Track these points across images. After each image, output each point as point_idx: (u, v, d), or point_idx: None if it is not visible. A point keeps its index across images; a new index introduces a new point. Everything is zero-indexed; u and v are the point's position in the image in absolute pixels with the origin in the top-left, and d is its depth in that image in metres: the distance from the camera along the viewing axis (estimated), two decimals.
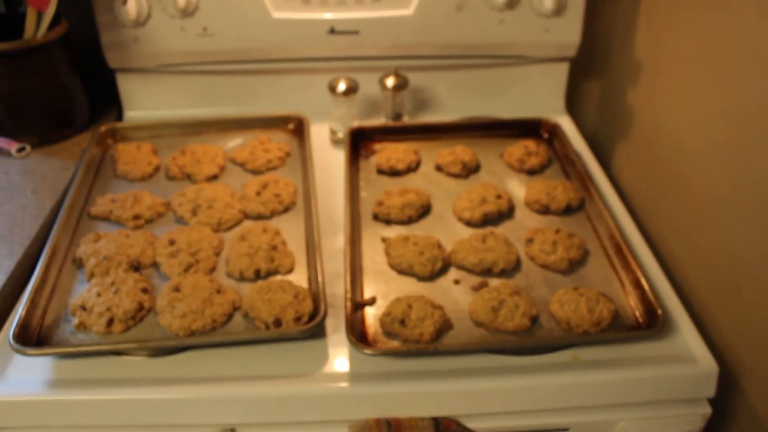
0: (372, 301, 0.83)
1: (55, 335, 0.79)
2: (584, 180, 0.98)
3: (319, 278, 0.82)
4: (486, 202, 0.95)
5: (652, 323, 0.77)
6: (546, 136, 1.10)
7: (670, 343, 0.79)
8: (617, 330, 0.79)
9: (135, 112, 1.17)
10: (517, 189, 1.00)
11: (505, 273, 0.87)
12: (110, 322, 0.79)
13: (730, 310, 0.88)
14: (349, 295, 0.80)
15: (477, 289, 0.84)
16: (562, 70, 1.17)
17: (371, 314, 0.82)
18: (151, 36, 1.08)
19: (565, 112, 1.19)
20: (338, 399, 0.75)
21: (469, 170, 1.03)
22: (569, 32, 1.11)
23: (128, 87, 1.15)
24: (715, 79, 0.92)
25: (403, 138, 1.09)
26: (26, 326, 0.77)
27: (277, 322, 0.79)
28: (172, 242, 0.89)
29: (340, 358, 0.78)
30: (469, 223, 0.94)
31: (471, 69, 1.17)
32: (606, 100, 1.27)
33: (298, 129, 1.10)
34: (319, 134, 1.12)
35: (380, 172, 1.04)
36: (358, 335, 0.77)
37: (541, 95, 1.19)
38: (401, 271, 0.87)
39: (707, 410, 0.77)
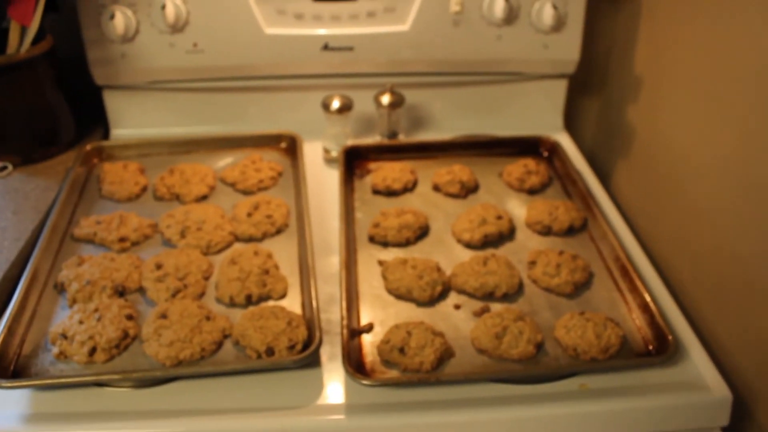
0: (369, 328, 0.80)
1: (34, 365, 0.74)
2: (586, 199, 0.95)
3: (314, 304, 0.78)
4: (486, 223, 0.91)
5: (663, 349, 0.74)
6: (546, 154, 1.07)
7: (680, 369, 0.75)
8: (626, 357, 0.75)
9: (122, 131, 1.13)
10: (518, 209, 0.97)
11: (507, 297, 0.83)
12: (93, 351, 0.75)
13: (741, 335, 0.85)
14: (345, 322, 0.76)
15: (479, 314, 0.81)
16: (560, 87, 1.15)
17: (368, 342, 0.78)
18: (140, 52, 1.05)
19: (563, 130, 1.16)
20: None
21: (468, 190, 1.00)
22: (568, 49, 1.09)
23: (115, 104, 1.12)
24: (718, 93, 0.89)
25: (399, 157, 1.06)
26: (2, 356, 0.73)
27: (270, 351, 0.75)
28: (159, 266, 0.85)
29: (335, 389, 0.74)
30: (469, 245, 0.91)
31: (468, 86, 1.14)
32: (605, 116, 1.24)
33: (291, 148, 1.07)
34: (313, 153, 1.09)
35: (376, 192, 1.01)
36: (354, 365, 0.73)
37: (540, 113, 1.16)
38: (399, 296, 0.84)
39: None
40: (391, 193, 1.00)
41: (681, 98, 0.99)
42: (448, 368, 0.75)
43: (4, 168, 1.02)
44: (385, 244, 0.91)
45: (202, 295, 0.84)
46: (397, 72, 1.10)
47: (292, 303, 0.83)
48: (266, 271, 0.85)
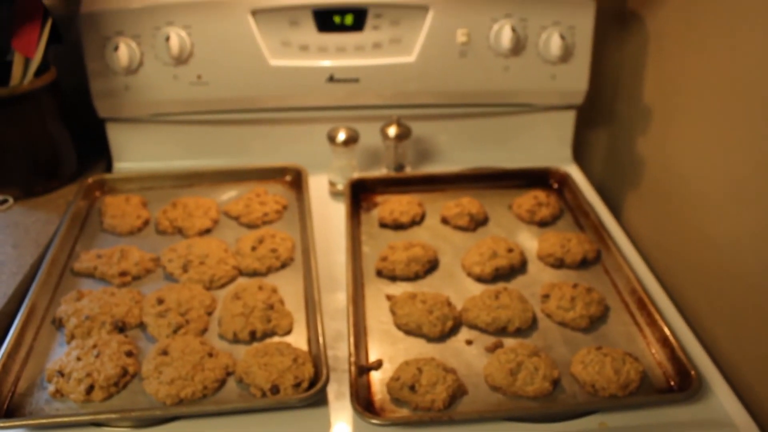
0: (378, 365, 0.76)
1: (29, 404, 0.71)
2: (599, 231, 0.93)
3: (320, 340, 0.76)
4: (497, 256, 0.89)
5: (685, 385, 0.71)
6: (555, 186, 1.05)
7: (704, 406, 0.72)
8: (647, 393, 0.72)
9: (125, 164, 1.11)
10: (529, 242, 0.95)
11: (521, 332, 0.80)
12: (90, 389, 0.72)
13: (763, 367, 0.82)
14: (353, 359, 0.73)
15: (492, 350, 0.78)
16: (568, 119, 1.13)
17: (377, 379, 0.75)
18: (143, 84, 1.04)
19: (572, 162, 1.14)
20: None
21: (477, 223, 0.98)
22: (576, 79, 1.08)
23: (118, 137, 1.10)
24: (728, 121, 0.88)
25: (406, 190, 1.04)
26: None
27: (275, 389, 0.72)
28: (160, 301, 0.82)
29: (343, 429, 0.71)
30: (479, 279, 0.88)
31: (475, 118, 1.12)
32: (614, 148, 1.22)
33: (296, 181, 1.05)
34: (318, 186, 1.07)
35: (383, 225, 0.98)
36: (363, 403, 0.70)
37: (548, 144, 1.14)
38: (409, 332, 0.81)
39: None
40: (398, 226, 0.98)
41: (691, 127, 0.97)
42: (460, 406, 0.71)
43: (5, 201, 1.00)
44: (394, 278, 0.89)
45: (204, 331, 0.81)
46: (403, 104, 1.09)
47: (298, 339, 0.80)
48: (271, 306, 0.82)
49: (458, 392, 0.72)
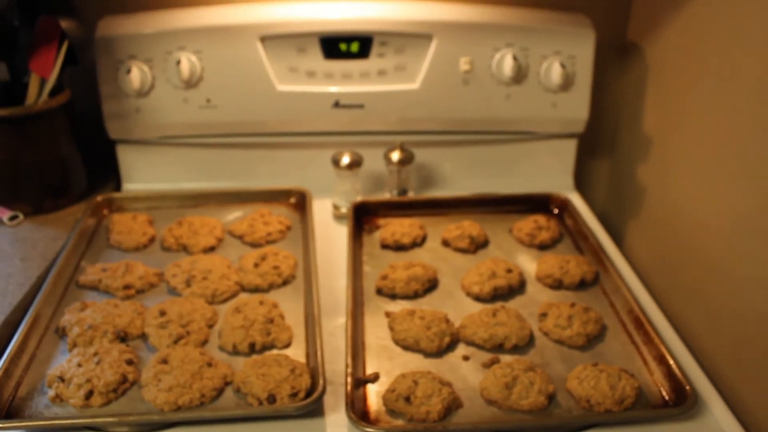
0: (375, 378, 0.77)
1: (28, 408, 0.72)
2: (598, 254, 0.94)
3: (318, 353, 0.76)
4: (496, 276, 0.90)
5: (681, 401, 0.71)
6: (556, 211, 1.07)
7: (700, 423, 0.72)
8: (643, 408, 0.72)
9: (134, 185, 1.14)
10: (528, 264, 0.95)
11: (517, 349, 0.81)
12: (89, 395, 0.72)
13: (763, 392, 0.82)
14: (350, 370, 0.74)
15: (488, 365, 0.78)
16: (570, 147, 1.15)
17: (374, 391, 0.75)
18: (154, 107, 1.07)
19: (574, 190, 1.16)
20: None
21: (477, 245, 0.99)
22: (577, 108, 1.10)
23: (128, 159, 1.13)
24: (729, 150, 0.89)
25: (409, 213, 1.06)
26: None
27: (272, 399, 0.72)
28: (162, 313, 0.83)
29: None
30: (478, 298, 0.89)
31: (478, 145, 1.15)
32: (616, 178, 1.24)
33: (300, 203, 1.07)
34: (322, 210, 1.09)
35: (384, 246, 1.00)
36: (359, 413, 0.70)
37: (549, 173, 1.16)
38: (406, 347, 0.81)
39: None
40: (399, 247, 0.99)
41: (691, 156, 0.99)
42: (455, 419, 0.71)
43: (15, 217, 1.02)
44: (393, 297, 0.90)
45: (205, 342, 0.82)
46: (407, 130, 1.11)
47: (297, 353, 0.80)
48: (271, 320, 0.83)
49: (453, 405, 0.73)
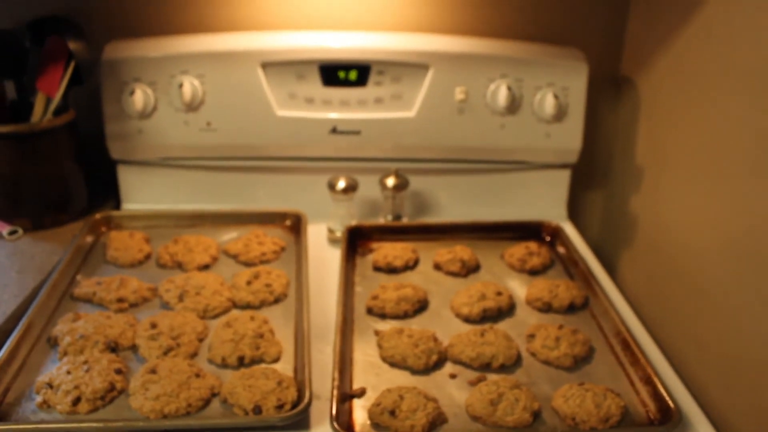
0: (361, 393, 0.77)
1: (15, 413, 0.72)
2: (588, 279, 0.95)
3: (306, 368, 0.77)
4: (485, 298, 0.91)
5: (666, 420, 0.71)
6: (548, 239, 1.08)
7: None
8: (628, 426, 0.72)
9: (133, 205, 1.16)
10: (519, 289, 0.96)
11: (505, 369, 0.81)
12: (76, 401, 0.73)
13: (751, 415, 0.81)
14: (336, 383, 0.74)
15: (474, 383, 0.78)
16: (563, 177, 1.17)
17: (360, 406, 0.75)
18: (156, 128, 1.10)
19: (567, 220, 1.17)
20: None
21: (469, 269, 1.00)
22: (570, 138, 1.12)
23: (128, 179, 1.15)
24: (720, 181, 0.91)
25: (402, 238, 1.07)
26: None
27: (257, 410, 0.72)
28: (153, 325, 0.84)
29: None
30: (467, 320, 0.90)
31: (472, 174, 1.16)
32: (609, 209, 1.25)
33: (295, 225, 1.08)
34: (317, 234, 1.10)
35: (377, 269, 1.01)
36: (344, 426, 0.71)
37: (543, 203, 1.17)
38: (394, 364, 0.82)
39: None
40: (391, 270, 1.00)
41: (682, 186, 1.00)
42: None
43: (14, 232, 1.03)
44: (383, 316, 0.90)
45: (194, 355, 0.82)
46: (402, 157, 1.13)
47: (285, 367, 0.81)
48: (261, 335, 0.83)
49: (438, 420, 0.73)
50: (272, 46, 1.09)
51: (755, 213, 0.83)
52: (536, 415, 0.73)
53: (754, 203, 0.83)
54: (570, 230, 1.12)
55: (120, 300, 0.90)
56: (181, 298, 0.90)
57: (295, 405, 0.73)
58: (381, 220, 1.13)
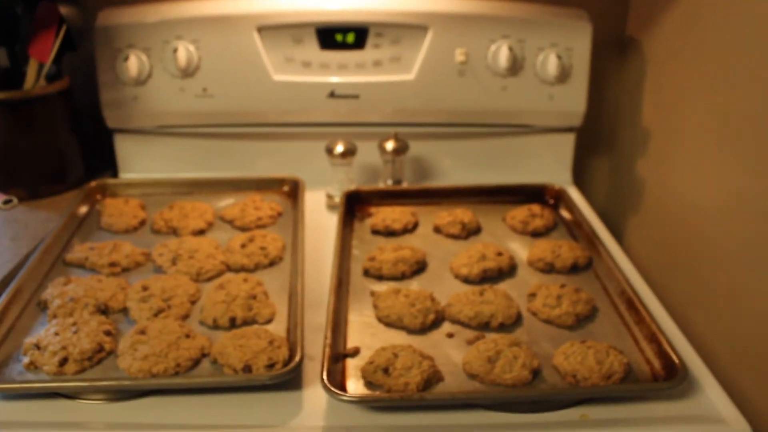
0: (355, 352, 0.75)
1: (2, 374, 0.71)
2: (592, 240, 0.92)
3: (299, 329, 0.75)
4: (486, 258, 0.88)
5: (671, 376, 0.68)
6: (551, 202, 1.05)
7: (693, 402, 0.69)
8: (630, 382, 0.69)
9: (130, 175, 1.14)
10: (520, 250, 0.93)
11: (504, 327, 0.79)
12: (64, 362, 0.71)
13: (761, 377, 0.78)
14: (328, 341, 0.72)
15: (472, 342, 0.76)
16: (568, 141, 1.14)
17: (353, 365, 0.73)
18: (151, 95, 1.08)
19: (572, 185, 1.14)
20: None
21: (469, 231, 0.97)
22: (574, 100, 1.09)
23: (125, 149, 1.13)
24: (729, 141, 0.87)
25: (402, 203, 1.04)
26: None
27: (247, 369, 0.71)
28: (145, 288, 0.83)
29: (315, 411, 0.69)
30: (466, 280, 0.87)
31: (474, 138, 1.14)
32: (615, 174, 1.22)
33: (293, 191, 1.06)
34: (316, 200, 1.08)
35: (375, 232, 0.98)
36: (336, 386, 0.68)
37: (547, 167, 1.14)
38: (389, 324, 0.79)
39: None
40: (390, 233, 0.97)
41: (690, 149, 0.97)
42: (436, 392, 0.69)
43: (9, 201, 1.02)
44: (380, 278, 0.88)
45: (186, 317, 0.81)
46: (402, 122, 1.11)
47: (278, 328, 0.79)
48: (254, 297, 0.82)
49: (434, 378, 0.70)
50: (268, 9, 1.06)
51: (766, 175, 0.79)
52: (536, 373, 0.71)
53: (765, 165, 0.80)
54: (575, 195, 1.09)
55: (112, 264, 0.89)
56: (174, 262, 0.89)
57: (286, 365, 0.71)
58: (381, 185, 1.10)
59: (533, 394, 0.69)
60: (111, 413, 0.69)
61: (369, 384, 0.70)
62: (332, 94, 1.08)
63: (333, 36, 1.07)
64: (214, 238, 0.95)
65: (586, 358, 0.70)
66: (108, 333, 0.76)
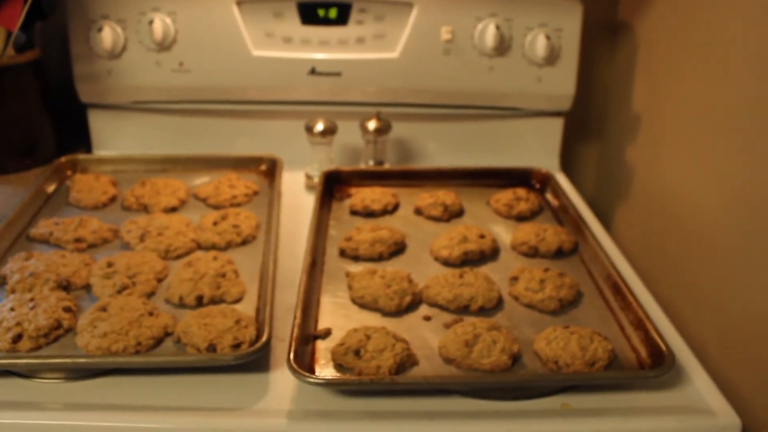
0: (326, 334, 0.71)
1: None
2: (578, 224, 0.88)
3: (268, 308, 0.71)
4: (467, 241, 0.85)
5: (658, 364, 0.64)
6: (538, 186, 1.01)
7: (680, 392, 0.66)
8: (615, 370, 0.66)
9: (105, 152, 1.10)
10: (504, 234, 0.90)
11: (484, 312, 0.75)
12: (18, 338, 0.68)
13: (749, 369, 0.75)
14: (297, 321, 0.68)
15: (450, 326, 0.72)
16: (556, 126, 1.10)
17: (324, 347, 0.69)
18: (126, 69, 1.04)
19: (560, 171, 1.11)
20: None
21: (451, 214, 0.94)
22: (563, 83, 1.06)
23: (99, 125, 1.09)
24: (721, 128, 0.84)
25: (383, 184, 1.01)
26: None
27: (211, 348, 0.67)
28: (110, 264, 0.79)
29: (281, 394, 0.66)
30: (446, 263, 0.84)
31: (459, 120, 1.10)
32: (604, 161, 1.19)
33: (271, 170, 1.03)
34: (295, 180, 1.04)
35: (353, 213, 0.95)
36: (304, 368, 0.64)
37: (534, 152, 1.11)
38: (364, 305, 0.76)
39: None
40: (369, 213, 0.94)
41: (681, 136, 0.94)
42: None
43: None
44: (356, 258, 0.84)
45: (151, 295, 0.77)
46: (385, 102, 1.07)
47: (247, 308, 0.75)
48: (222, 275, 0.78)
49: (408, 362, 0.67)
50: None
51: (758, 164, 0.76)
52: (515, 358, 0.67)
53: (758, 154, 0.77)
54: (562, 181, 1.06)
55: (78, 240, 0.85)
56: (142, 239, 0.85)
57: (252, 345, 0.68)
58: (362, 166, 1.06)
59: (512, 380, 0.66)
60: (68, 393, 0.65)
61: (339, 367, 0.67)
62: (313, 71, 1.05)
63: (315, 11, 1.03)
64: (186, 216, 0.91)
65: (568, 344, 0.67)
66: (68, 310, 0.72)
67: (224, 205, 0.95)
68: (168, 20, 1.02)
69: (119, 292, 0.75)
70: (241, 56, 1.04)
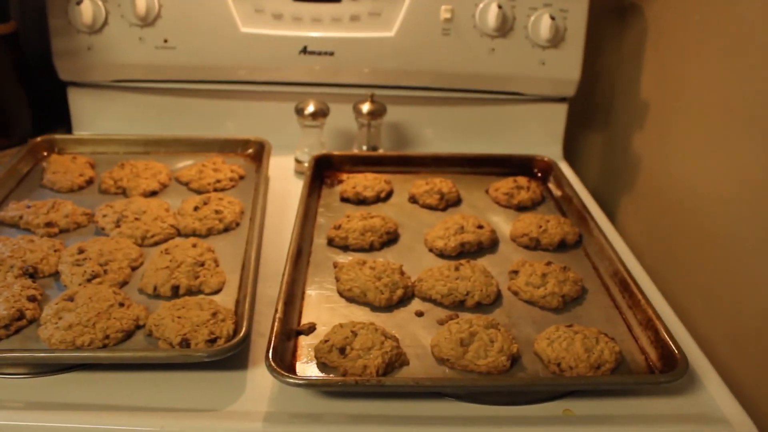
0: (309, 329, 0.66)
1: None
2: (583, 216, 0.83)
3: (247, 300, 0.66)
4: (464, 231, 0.79)
5: (669, 368, 0.59)
6: (539, 174, 0.96)
7: (692, 399, 0.61)
8: (623, 374, 0.61)
9: (85, 133, 1.05)
10: (503, 224, 0.85)
11: (481, 308, 0.70)
12: None
13: (765, 373, 0.70)
14: (279, 315, 0.63)
15: (444, 322, 0.67)
16: (560, 112, 1.05)
17: (307, 344, 0.64)
18: (107, 44, 0.98)
19: (563, 160, 1.05)
20: None
21: (448, 202, 0.88)
22: (567, 67, 1.00)
23: (79, 104, 1.04)
24: (733, 116, 0.79)
25: (376, 170, 0.95)
26: None
27: (185, 343, 0.62)
28: (81, 251, 0.74)
29: (259, 394, 0.61)
30: (442, 254, 0.78)
31: (458, 105, 1.05)
32: (610, 150, 1.14)
33: (258, 154, 0.97)
34: (284, 165, 0.99)
35: (344, 200, 0.89)
36: (285, 366, 0.59)
37: (537, 139, 1.06)
38: (351, 299, 0.71)
39: None
40: (360, 201, 0.89)
41: (691, 124, 0.89)
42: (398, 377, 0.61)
43: None
44: (345, 248, 0.79)
45: (124, 284, 0.72)
46: (380, 83, 1.02)
47: (226, 300, 0.70)
48: (201, 264, 0.73)
49: (397, 361, 0.62)
50: None
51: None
52: (514, 359, 0.62)
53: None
54: (566, 170, 1.01)
55: (49, 224, 0.79)
56: (117, 224, 0.80)
57: (229, 340, 0.63)
58: (355, 151, 1.01)
59: (510, 384, 0.61)
60: (30, 390, 0.60)
61: (323, 365, 0.62)
62: (305, 51, 0.99)
63: None
64: (166, 200, 0.86)
65: (572, 345, 0.62)
66: (33, 299, 0.67)
67: (207, 189, 0.89)
68: None
69: (89, 280, 0.70)
70: (229, 33, 0.98)
